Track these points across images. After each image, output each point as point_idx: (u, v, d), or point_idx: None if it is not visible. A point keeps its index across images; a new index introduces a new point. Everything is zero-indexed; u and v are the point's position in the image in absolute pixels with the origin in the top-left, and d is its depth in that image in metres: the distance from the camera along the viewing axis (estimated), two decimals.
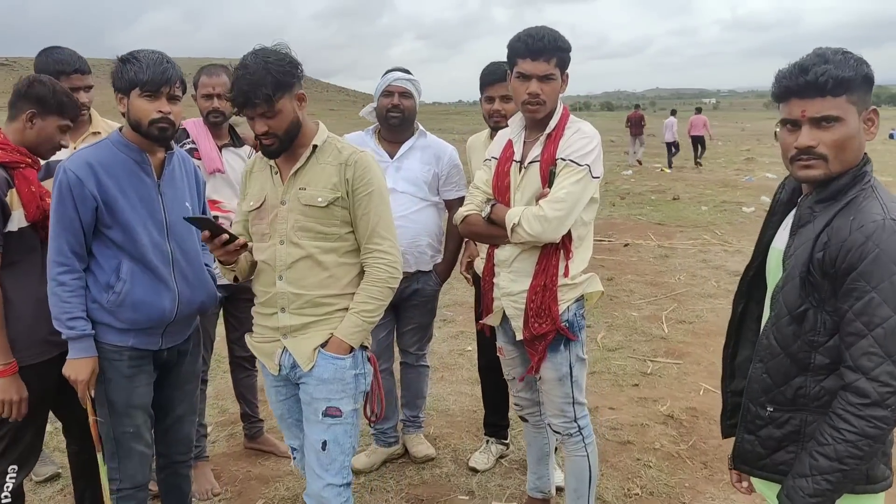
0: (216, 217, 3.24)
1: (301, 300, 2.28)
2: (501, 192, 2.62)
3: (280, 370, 2.35)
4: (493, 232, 2.61)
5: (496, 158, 2.68)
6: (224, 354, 4.02)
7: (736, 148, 29.73)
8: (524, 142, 2.63)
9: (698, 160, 21.03)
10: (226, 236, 2.19)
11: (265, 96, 2.11)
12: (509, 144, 2.66)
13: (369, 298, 2.28)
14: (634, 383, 4.66)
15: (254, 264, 2.38)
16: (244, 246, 2.24)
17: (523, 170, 2.57)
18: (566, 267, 2.57)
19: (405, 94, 3.34)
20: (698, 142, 21.15)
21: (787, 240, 1.67)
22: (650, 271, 7.76)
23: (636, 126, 21.56)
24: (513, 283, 2.61)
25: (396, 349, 3.68)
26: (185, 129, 3.27)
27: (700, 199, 13.52)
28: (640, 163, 21.13)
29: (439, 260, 3.51)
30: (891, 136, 30.50)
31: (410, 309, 3.51)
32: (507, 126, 3.13)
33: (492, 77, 3.24)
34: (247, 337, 2.50)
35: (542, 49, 2.44)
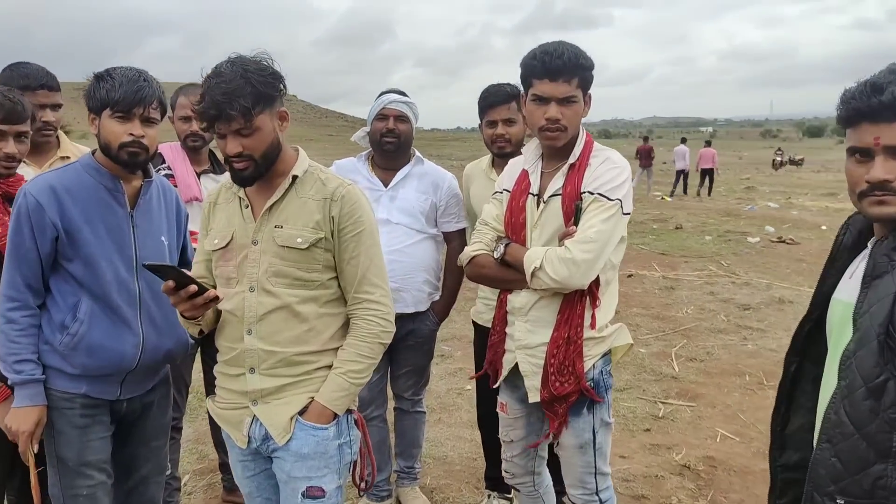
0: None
1: (274, 358, 1.92)
2: (516, 229, 2.31)
3: (249, 443, 1.98)
4: (508, 276, 2.29)
5: (508, 191, 2.38)
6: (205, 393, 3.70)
7: (735, 177, 29.64)
8: (542, 172, 2.33)
9: (699, 191, 20.90)
10: (194, 287, 1.84)
11: (243, 109, 1.78)
12: (524, 175, 2.35)
13: (358, 357, 1.94)
14: (646, 428, 4.34)
15: (219, 313, 2.04)
16: (215, 299, 1.91)
17: (542, 204, 2.27)
18: (593, 317, 2.23)
19: (401, 118, 3.08)
20: (707, 174, 21.12)
21: (856, 293, 1.38)
22: (656, 304, 7.47)
23: (646, 157, 21.66)
24: (530, 335, 2.28)
25: (390, 391, 3.37)
26: (160, 153, 3.00)
27: (703, 228, 13.27)
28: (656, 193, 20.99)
29: (437, 297, 3.22)
30: None
31: (405, 351, 3.21)
32: (511, 152, 2.88)
33: (493, 99, 2.98)
34: (208, 402, 2.16)
35: (561, 68, 2.14)
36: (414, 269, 3.07)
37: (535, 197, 2.30)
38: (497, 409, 2.52)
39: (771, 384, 5.03)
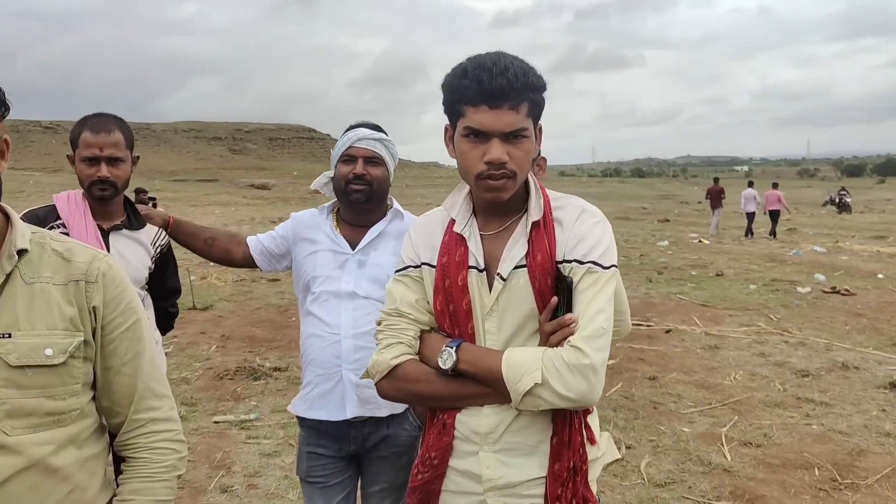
0: None
1: None
2: (457, 320, 1.61)
3: None
4: (464, 391, 1.57)
5: (429, 265, 1.66)
6: None
7: None
8: (480, 236, 1.62)
9: (772, 232, 20.96)
10: None
11: None
12: (455, 241, 1.63)
13: None
14: None
15: None
16: None
17: (499, 283, 1.57)
18: (587, 427, 1.61)
19: (373, 161, 2.33)
20: (774, 216, 21.35)
21: None
22: (699, 367, 6.56)
23: (716, 198, 22.17)
24: (506, 469, 1.57)
25: None
26: (54, 205, 2.31)
27: (746, 275, 12.28)
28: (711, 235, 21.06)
29: None
30: None
31: (378, 463, 2.42)
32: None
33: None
34: None
35: (506, 90, 1.45)
36: None
37: (482, 272, 1.59)
38: None
39: (847, 482, 4.11)
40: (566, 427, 1.55)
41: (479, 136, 1.49)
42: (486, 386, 1.53)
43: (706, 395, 5.78)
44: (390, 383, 1.63)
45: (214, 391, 5.78)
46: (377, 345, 1.65)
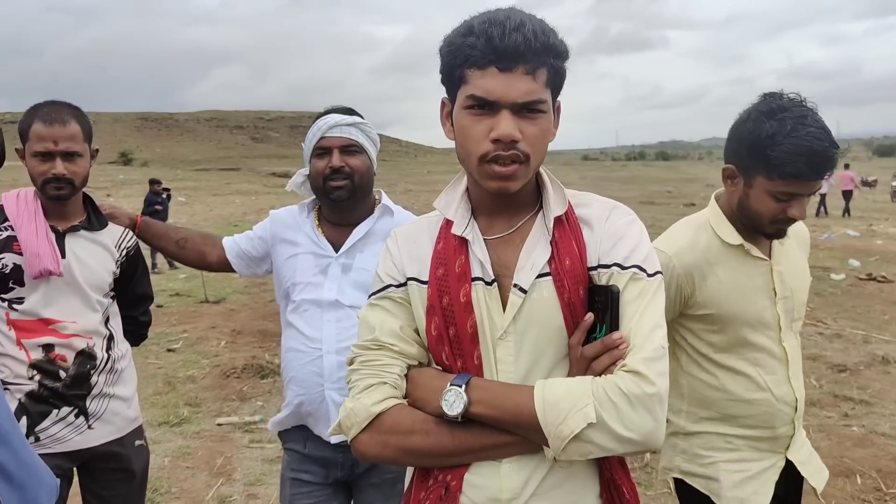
0: (50, 346, 2.03)
1: None
2: (459, 348, 1.26)
3: None
4: (480, 444, 1.22)
5: (419, 281, 1.32)
6: None
7: None
8: (484, 240, 1.30)
9: (847, 210, 22.44)
10: None
11: None
12: (454, 248, 1.29)
13: None
14: None
15: None
16: None
17: (517, 296, 1.24)
18: (627, 475, 1.30)
19: (350, 149, 2.05)
20: (847, 196, 22.78)
21: None
22: None
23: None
24: None
25: None
26: (1, 205, 2.07)
27: None
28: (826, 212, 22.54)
29: None
30: None
31: (369, 491, 2.16)
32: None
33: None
34: None
35: (521, 49, 1.15)
36: None
37: (490, 285, 1.26)
38: None
39: (892, 492, 3.78)
40: (614, 476, 1.25)
41: (486, 106, 1.18)
42: (508, 433, 1.20)
43: None
44: (373, 438, 1.24)
45: (220, 390, 5.58)
46: (350, 388, 1.30)
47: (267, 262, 2.26)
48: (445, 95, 1.28)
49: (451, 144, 1.29)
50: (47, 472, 1.45)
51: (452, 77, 1.22)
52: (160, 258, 11.74)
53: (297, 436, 2.14)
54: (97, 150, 2.17)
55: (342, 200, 2.05)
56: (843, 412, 4.99)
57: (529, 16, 1.18)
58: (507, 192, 1.22)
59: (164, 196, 13.33)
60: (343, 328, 2.02)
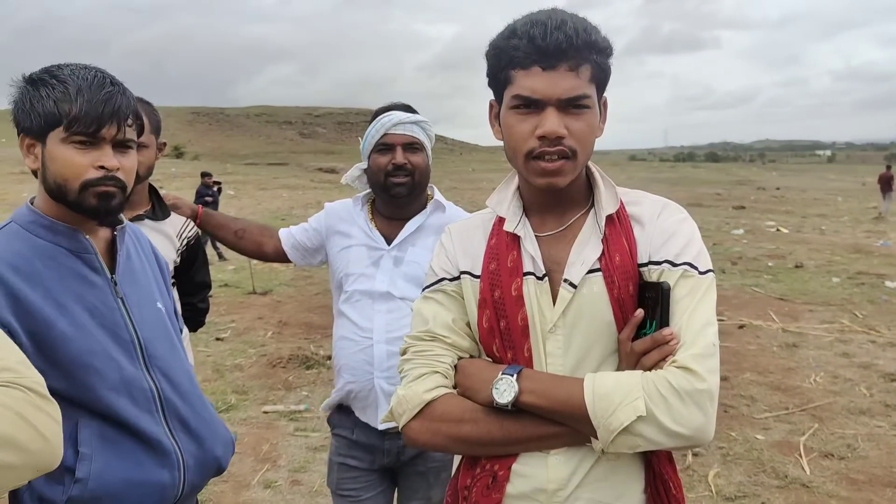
0: None
1: None
2: (511, 341, 1.29)
3: None
4: (528, 433, 1.25)
5: (471, 275, 1.36)
6: None
7: (860, 205, 26.95)
8: (536, 237, 1.32)
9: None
10: None
11: None
12: (506, 244, 1.33)
13: None
14: None
15: None
16: None
17: (568, 291, 1.26)
18: (674, 472, 1.30)
19: (412, 146, 2.11)
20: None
21: None
22: (775, 367, 6.12)
23: (886, 184, 23.22)
24: None
25: None
26: None
27: (829, 267, 11.55)
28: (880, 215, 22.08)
29: None
30: None
31: (415, 478, 2.22)
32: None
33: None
34: None
35: (563, 47, 1.18)
36: None
37: (541, 280, 1.29)
38: None
39: None
40: (661, 471, 1.26)
41: (531, 105, 1.21)
42: (556, 424, 1.22)
43: (783, 398, 5.36)
44: (424, 425, 1.29)
45: (266, 379, 5.72)
46: (402, 377, 1.35)
47: (321, 253, 2.33)
48: (493, 98, 1.31)
49: (496, 143, 1.33)
50: (224, 427, 1.65)
51: (498, 79, 1.26)
52: (209, 248, 12.04)
53: (346, 422, 2.20)
54: (164, 144, 2.27)
55: (402, 196, 2.11)
56: (893, 422, 4.87)
57: (571, 15, 1.22)
58: (555, 188, 1.25)
59: (216, 189, 13.66)
60: (393, 319, 2.08)
